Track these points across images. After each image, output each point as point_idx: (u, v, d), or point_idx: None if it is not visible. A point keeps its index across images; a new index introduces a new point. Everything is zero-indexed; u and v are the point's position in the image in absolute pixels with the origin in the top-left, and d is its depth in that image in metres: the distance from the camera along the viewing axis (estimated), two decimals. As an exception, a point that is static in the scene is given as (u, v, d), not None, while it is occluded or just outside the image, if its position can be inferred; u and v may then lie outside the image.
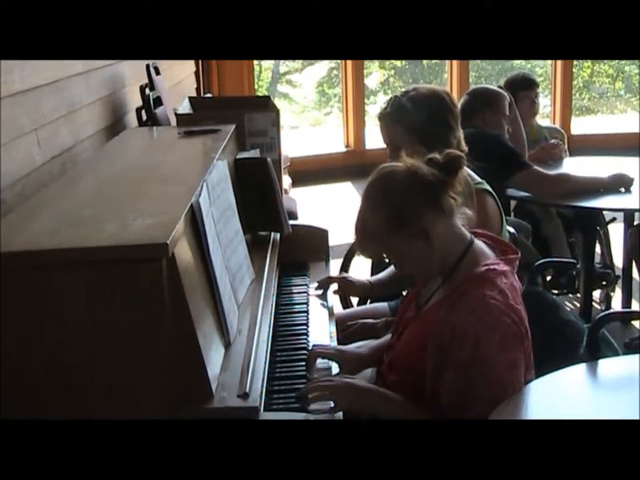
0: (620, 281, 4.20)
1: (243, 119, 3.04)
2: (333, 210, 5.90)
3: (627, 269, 4.12)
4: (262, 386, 1.80)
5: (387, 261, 3.66)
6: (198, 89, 6.07)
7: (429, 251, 1.91)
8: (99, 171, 2.32)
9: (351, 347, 2.33)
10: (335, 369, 2.12)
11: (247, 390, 1.73)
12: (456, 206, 1.94)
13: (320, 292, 2.63)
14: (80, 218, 1.81)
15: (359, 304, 3.31)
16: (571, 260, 3.68)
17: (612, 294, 4.19)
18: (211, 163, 2.23)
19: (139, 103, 3.74)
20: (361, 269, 3.59)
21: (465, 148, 2.59)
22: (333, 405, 1.86)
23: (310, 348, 2.18)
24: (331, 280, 2.69)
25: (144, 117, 3.65)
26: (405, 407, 1.92)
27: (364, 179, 6.62)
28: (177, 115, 3.04)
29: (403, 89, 2.67)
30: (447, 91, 2.69)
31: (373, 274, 3.55)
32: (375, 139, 7.12)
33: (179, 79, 5.25)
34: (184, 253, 1.73)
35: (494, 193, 2.59)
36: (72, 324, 1.60)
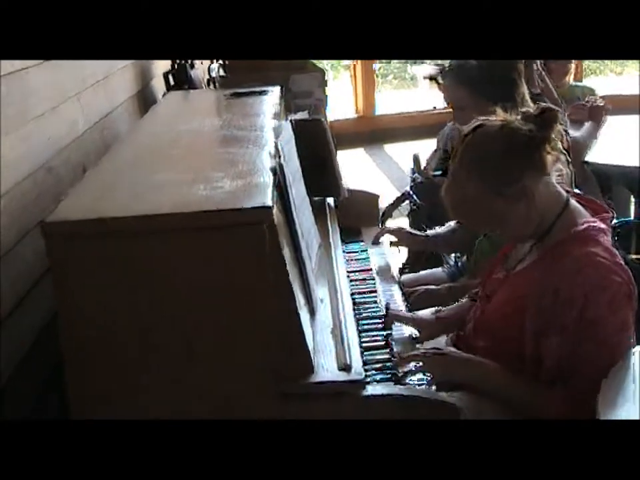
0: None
1: (287, 80, 2.91)
2: (348, 176, 5.77)
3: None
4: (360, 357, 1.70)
5: (423, 227, 3.58)
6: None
7: (530, 211, 1.81)
8: (159, 135, 2.19)
9: (424, 312, 2.23)
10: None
11: (348, 361, 1.63)
12: (552, 162, 1.84)
13: (377, 243, 2.55)
14: (161, 182, 1.69)
15: (404, 269, 3.19)
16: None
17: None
18: (276, 124, 2.11)
19: (164, 68, 3.60)
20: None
21: (531, 105, 2.47)
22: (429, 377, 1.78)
23: (385, 305, 2.10)
24: (388, 231, 2.60)
25: (171, 82, 3.51)
26: (503, 374, 1.83)
27: (376, 145, 6.49)
28: (220, 76, 2.91)
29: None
30: (512, 46, 2.57)
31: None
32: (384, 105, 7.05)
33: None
34: (276, 216, 1.62)
35: None
36: (172, 293, 1.50)
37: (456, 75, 2.51)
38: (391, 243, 2.62)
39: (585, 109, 4.00)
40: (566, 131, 2.75)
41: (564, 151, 1.93)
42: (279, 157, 1.82)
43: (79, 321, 1.52)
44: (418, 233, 2.70)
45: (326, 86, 2.96)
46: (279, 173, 1.76)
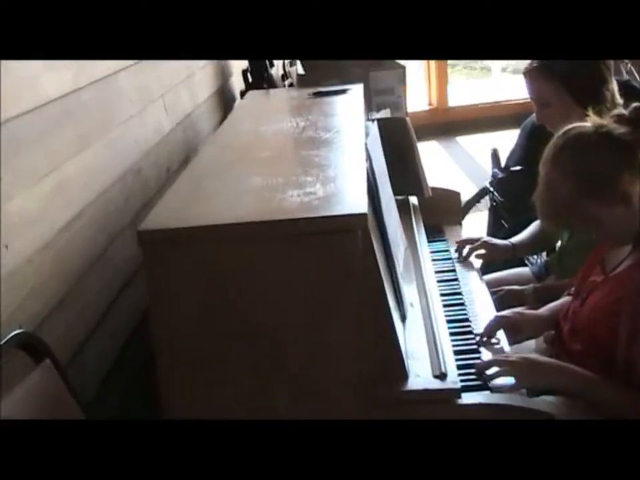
0: None
1: (366, 77, 2.88)
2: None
3: None
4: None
5: (503, 223, 3.51)
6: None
7: (628, 214, 1.75)
8: (244, 137, 2.18)
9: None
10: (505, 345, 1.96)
11: (443, 369, 1.60)
12: None
13: (463, 255, 2.48)
14: (251, 187, 1.68)
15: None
16: None
17: None
18: (361, 125, 2.09)
19: (242, 65, 3.60)
20: (473, 228, 3.44)
21: (620, 101, 2.40)
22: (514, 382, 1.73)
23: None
24: (472, 243, 2.53)
25: (249, 79, 3.50)
26: (594, 382, 1.78)
27: (449, 137, 6.38)
28: (298, 75, 2.90)
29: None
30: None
31: (489, 233, 3.39)
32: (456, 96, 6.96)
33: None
34: (369, 221, 1.60)
35: None
36: (263, 301, 1.49)
37: (540, 70, 2.43)
38: (477, 255, 2.53)
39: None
40: None
41: None
42: (368, 159, 1.80)
43: (171, 325, 1.52)
44: (502, 242, 2.63)
45: (405, 82, 2.92)
46: (369, 176, 1.75)
